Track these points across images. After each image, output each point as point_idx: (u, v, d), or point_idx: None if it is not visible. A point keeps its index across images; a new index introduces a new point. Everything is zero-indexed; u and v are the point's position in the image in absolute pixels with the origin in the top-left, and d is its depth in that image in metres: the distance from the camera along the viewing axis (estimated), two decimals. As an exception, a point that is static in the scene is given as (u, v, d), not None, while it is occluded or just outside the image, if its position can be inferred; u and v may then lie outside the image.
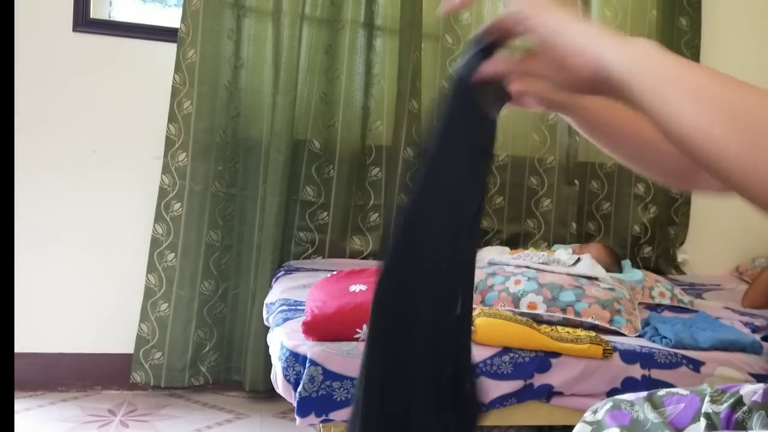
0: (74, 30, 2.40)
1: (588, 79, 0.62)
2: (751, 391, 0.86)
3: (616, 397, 0.93)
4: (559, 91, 0.72)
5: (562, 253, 2.22)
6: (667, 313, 2.14)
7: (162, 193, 2.36)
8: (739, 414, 0.84)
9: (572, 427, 0.92)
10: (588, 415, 0.91)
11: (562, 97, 0.76)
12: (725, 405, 0.85)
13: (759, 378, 1.70)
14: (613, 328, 1.85)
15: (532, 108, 0.78)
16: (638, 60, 0.59)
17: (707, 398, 0.87)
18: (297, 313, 1.76)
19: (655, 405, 0.89)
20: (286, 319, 1.71)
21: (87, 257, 2.45)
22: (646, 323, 1.94)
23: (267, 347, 1.81)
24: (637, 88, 0.58)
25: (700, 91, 0.55)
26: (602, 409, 0.91)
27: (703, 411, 0.86)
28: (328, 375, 1.49)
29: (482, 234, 2.74)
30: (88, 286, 2.46)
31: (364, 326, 1.55)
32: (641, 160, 0.84)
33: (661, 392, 0.92)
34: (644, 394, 0.92)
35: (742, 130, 0.53)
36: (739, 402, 0.85)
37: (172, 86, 2.34)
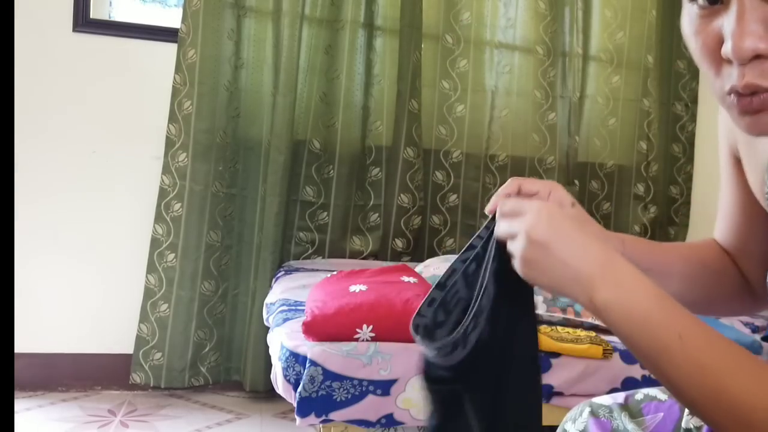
0: (74, 30, 2.40)
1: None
2: None
3: (593, 401, 0.91)
4: None
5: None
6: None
7: (162, 193, 2.36)
8: None
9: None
10: (569, 426, 0.90)
11: None
12: None
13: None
14: (613, 328, 1.84)
15: None
16: (594, 312, 0.63)
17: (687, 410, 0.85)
18: (297, 313, 1.76)
19: (633, 414, 0.88)
20: (286, 320, 1.71)
21: (87, 257, 2.45)
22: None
23: (267, 347, 1.81)
24: (628, 342, 0.61)
25: (696, 376, 0.57)
26: (581, 417, 0.89)
27: (683, 427, 0.84)
28: (328, 375, 1.49)
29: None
30: (88, 287, 2.46)
31: (364, 326, 1.55)
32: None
33: (639, 396, 0.90)
34: (622, 398, 0.90)
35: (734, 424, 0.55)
36: None
37: (173, 86, 2.34)
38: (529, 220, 0.66)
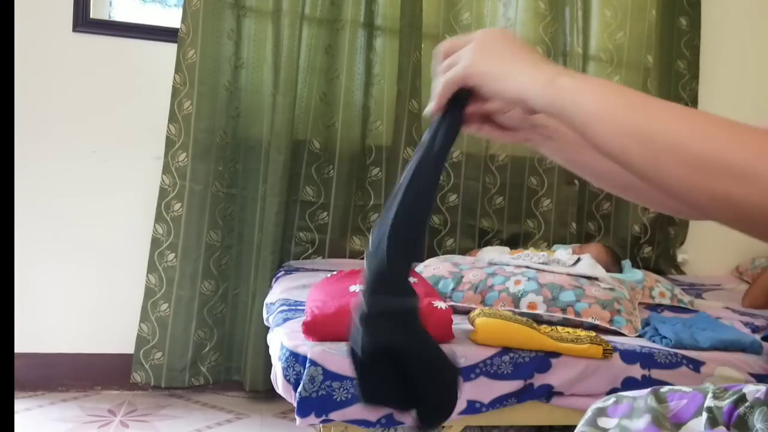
0: (74, 30, 2.40)
1: (516, 105, 0.72)
2: (753, 389, 0.86)
3: (619, 393, 0.94)
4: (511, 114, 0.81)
5: (562, 253, 2.22)
6: (667, 313, 2.14)
7: (162, 193, 2.36)
8: (741, 409, 0.84)
9: (572, 427, 0.93)
10: (591, 407, 0.92)
11: (518, 118, 0.82)
12: (728, 401, 0.86)
13: (759, 378, 1.70)
14: (613, 328, 1.85)
15: (493, 135, 0.84)
16: (551, 94, 0.65)
17: (710, 394, 0.88)
18: (297, 313, 1.76)
19: (659, 400, 0.90)
20: (286, 319, 1.71)
21: (87, 257, 2.45)
22: (646, 323, 1.94)
23: (267, 347, 1.81)
24: (558, 118, 0.65)
25: (608, 117, 0.61)
26: (608, 402, 0.92)
27: (705, 405, 0.86)
28: (328, 375, 1.49)
29: (482, 234, 2.74)
30: (89, 287, 2.46)
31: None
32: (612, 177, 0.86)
33: (664, 389, 0.92)
34: (647, 390, 0.93)
35: (652, 156, 0.58)
36: (741, 398, 0.86)
37: (173, 86, 2.34)
38: (478, 36, 0.71)
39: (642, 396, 0.91)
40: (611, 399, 0.92)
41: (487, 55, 0.69)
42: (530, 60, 0.68)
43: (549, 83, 0.65)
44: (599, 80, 0.65)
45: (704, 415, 0.85)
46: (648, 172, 0.59)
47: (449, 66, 0.72)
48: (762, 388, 0.85)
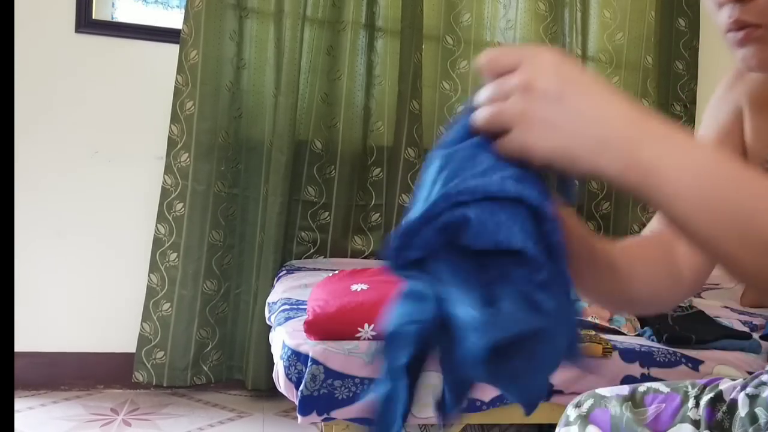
0: (77, 31, 2.41)
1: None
2: (730, 386, 0.87)
3: (597, 391, 0.94)
4: None
5: (562, 252, 2.23)
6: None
7: (164, 193, 2.38)
8: (719, 414, 0.85)
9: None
10: (570, 410, 0.93)
11: None
12: (705, 398, 0.87)
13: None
14: (612, 326, 1.86)
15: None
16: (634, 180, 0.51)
17: (690, 401, 0.88)
18: (299, 312, 1.77)
19: (636, 404, 0.89)
20: (287, 319, 1.73)
21: (89, 257, 2.46)
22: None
23: (269, 346, 1.83)
24: (693, 200, 0.50)
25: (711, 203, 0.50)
26: (584, 404, 0.92)
27: (685, 413, 0.87)
28: (330, 374, 1.50)
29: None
30: (91, 286, 2.47)
31: (365, 325, 1.57)
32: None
33: (642, 388, 0.92)
34: (626, 390, 0.92)
35: (754, 250, 0.49)
36: (719, 397, 0.86)
37: (175, 87, 2.35)
38: (528, 70, 0.51)
39: (618, 398, 0.91)
40: (590, 400, 0.92)
41: (540, 126, 0.51)
42: (600, 120, 0.50)
43: (632, 159, 0.50)
44: (703, 149, 0.51)
45: (689, 427, 0.85)
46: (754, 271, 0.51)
47: (497, 98, 0.53)
48: (737, 384, 0.86)
